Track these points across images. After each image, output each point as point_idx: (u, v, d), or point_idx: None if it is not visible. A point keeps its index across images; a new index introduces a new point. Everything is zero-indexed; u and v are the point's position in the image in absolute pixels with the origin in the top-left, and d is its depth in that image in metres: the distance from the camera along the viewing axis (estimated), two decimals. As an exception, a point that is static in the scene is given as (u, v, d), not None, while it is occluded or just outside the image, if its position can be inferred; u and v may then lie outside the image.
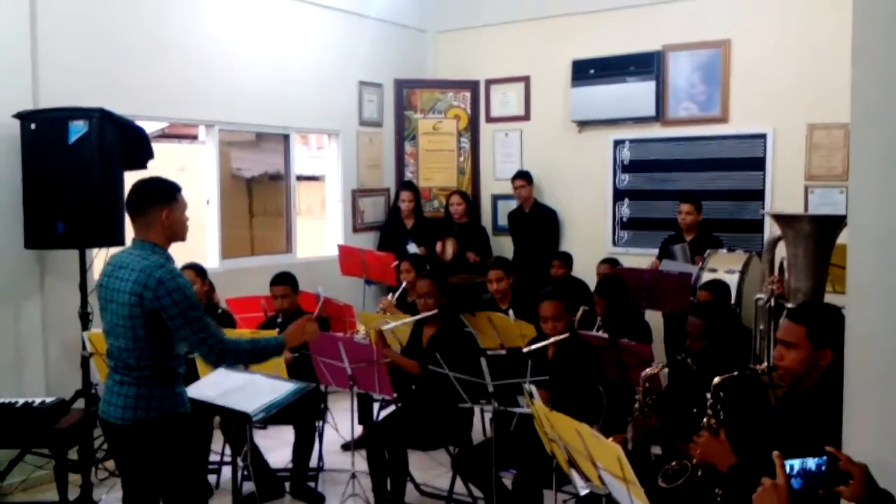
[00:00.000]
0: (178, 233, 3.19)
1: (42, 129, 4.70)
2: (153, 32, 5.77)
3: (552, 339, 4.09)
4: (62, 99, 4.89)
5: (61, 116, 4.69)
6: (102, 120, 4.68)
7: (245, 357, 3.22)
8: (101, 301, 3.13)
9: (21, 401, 4.21)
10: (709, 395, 2.95)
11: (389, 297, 5.98)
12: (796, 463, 2.03)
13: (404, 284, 5.94)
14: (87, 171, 4.64)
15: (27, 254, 4.91)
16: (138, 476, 3.19)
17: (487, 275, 5.63)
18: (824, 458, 2.03)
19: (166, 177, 3.25)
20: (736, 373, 2.96)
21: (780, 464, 2.00)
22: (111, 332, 3.09)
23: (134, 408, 3.03)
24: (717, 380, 2.94)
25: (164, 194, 3.14)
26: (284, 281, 5.18)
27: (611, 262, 6.21)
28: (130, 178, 4.89)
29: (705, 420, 2.93)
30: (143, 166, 4.98)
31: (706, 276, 5.55)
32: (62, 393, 4.55)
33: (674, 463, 3.05)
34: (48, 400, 4.25)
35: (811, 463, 2.02)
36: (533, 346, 4.11)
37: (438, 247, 7.21)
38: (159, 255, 3.08)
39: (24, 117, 4.73)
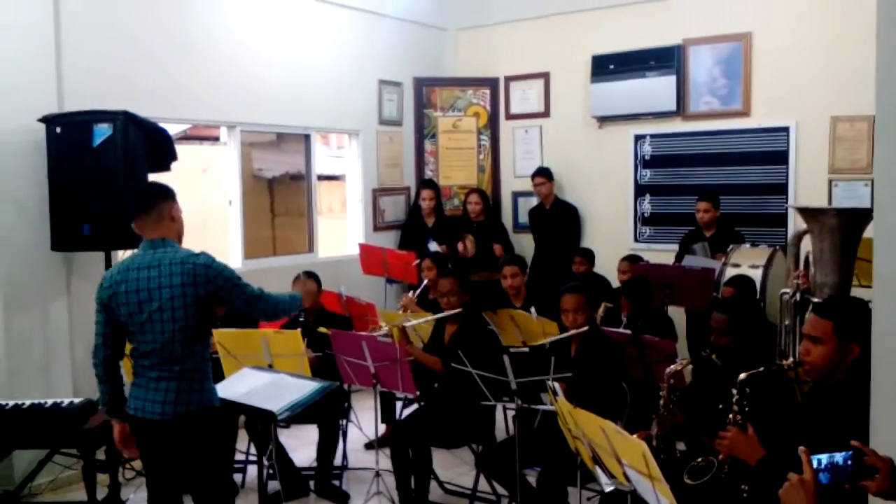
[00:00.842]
0: (180, 231, 3.36)
1: (67, 132, 4.74)
2: (175, 35, 5.81)
3: (572, 332, 4.08)
4: (86, 102, 4.94)
5: (86, 120, 4.74)
6: (126, 122, 4.72)
7: (288, 305, 3.50)
8: (129, 306, 3.15)
9: (49, 401, 4.26)
10: (734, 391, 2.94)
11: (410, 294, 5.99)
12: (824, 458, 2.01)
13: (426, 282, 5.94)
14: (111, 173, 4.69)
15: (54, 256, 4.96)
16: (169, 472, 3.26)
17: (502, 271, 5.63)
18: (850, 452, 2.01)
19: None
20: (762, 368, 2.94)
21: (806, 459, 1.99)
22: (148, 331, 3.14)
23: (175, 402, 3.14)
24: (742, 375, 2.93)
25: (169, 191, 3.34)
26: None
27: (632, 259, 6.17)
28: (155, 180, 4.96)
29: (731, 416, 2.91)
30: (166, 168, 5.03)
31: (729, 272, 5.50)
32: (90, 393, 4.59)
33: (699, 459, 3.04)
34: (76, 400, 4.30)
35: (838, 457, 2.01)
36: (553, 338, 4.11)
37: (460, 247, 7.22)
38: (185, 248, 3.24)
39: (49, 121, 4.78)
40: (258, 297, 3.28)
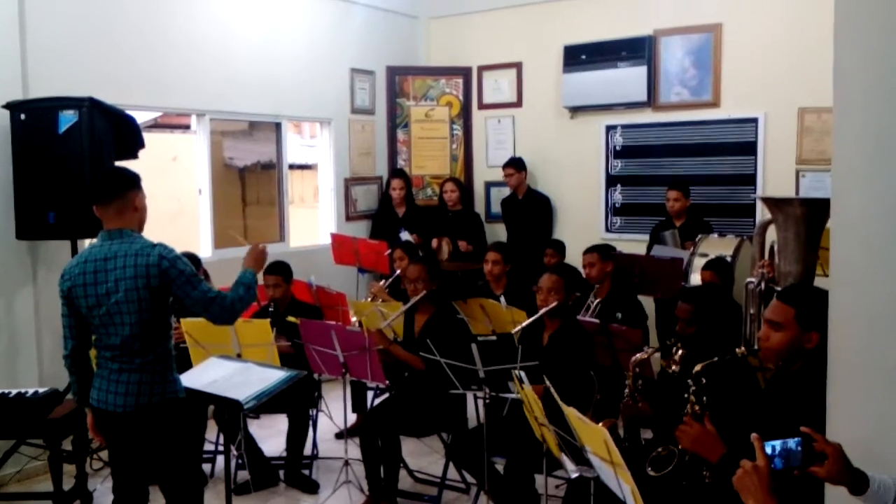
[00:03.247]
0: (143, 221, 3.24)
1: (32, 119, 4.69)
2: (143, 22, 5.74)
3: (541, 312, 4.10)
4: (52, 89, 4.87)
5: (51, 106, 4.68)
6: (92, 109, 4.67)
7: (246, 298, 3.26)
8: (87, 299, 3.10)
9: (14, 391, 4.22)
10: (690, 382, 2.97)
11: (382, 282, 5.98)
12: (777, 444, 2.04)
13: (398, 272, 5.94)
14: (77, 160, 4.64)
15: (19, 244, 4.90)
16: (134, 463, 3.22)
17: (485, 255, 5.63)
18: (801, 438, 2.05)
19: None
20: (716, 359, 2.97)
21: (759, 446, 2.01)
22: (108, 324, 3.09)
23: (137, 394, 3.09)
24: (698, 367, 2.96)
25: (135, 179, 3.21)
26: (276, 271, 5.18)
27: (600, 249, 6.18)
28: (120, 165, 4.91)
29: (689, 406, 2.94)
30: (134, 156, 4.98)
31: (698, 261, 5.56)
32: (56, 384, 4.55)
33: (660, 449, 3.07)
34: (41, 390, 4.26)
35: (791, 443, 2.04)
36: (526, 322, 4.13)
37: (434, 243, 7.22)
38: (143, 238, 3.14)
39: (13, 107, 4.72)
40: (211, 300, 3.12)
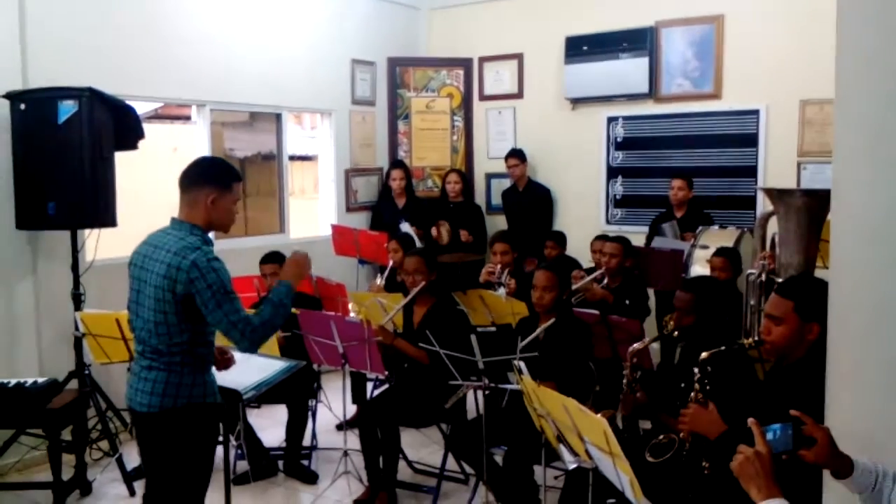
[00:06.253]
0: (220, 222, 3.02)
1: (31, 109, 4.67)
2: (144, 12, 5.72)
3: (541, 328, 4.06)
4: (52, 79, 4.85)
5: (51, 96, 4.66)
6: (92, 99, 4.65)
7: (274, 322, 2.97)
8: (134, 281, 2.99)
9: (13, 381, 4.22)
10: (696, 370, 2.97)
11: (378, 280, 5.97)
12: (778, 428, 2.06)
13: (391, 264, 5.92)
14: (76, 151, 4.63)
15: (19, 235, 4.90)
16: (158, 465, 3.03)
17: (493, 246, 5.63)
18: (790, 423, 2.06)
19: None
20: (724, 347, 2.97)
21: (758, 431, 2.02)
22: (140, 315, 2.95)
23: (162, 394, 2.89)
24: (704, 354, 2.96)
25: (218, 177, 2.99)
26: (273, 259, 5.18)
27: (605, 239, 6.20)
28: (121, 158, 4.92)
29: (693, 394, 2.94)
30: (134, 146, 4.98)
31: (698, 254, 5.55)
32: (56, 374, 4.56)
33: (661, 437, 3.07)
34: (40, 380, 4.25)
35: (788, 428, 2.05)
36: (525, 342, 4.08)
37: (434, 232, 7.21)
38: (197, 237, 2.92)
39: (13, 97, 4.71)
40: (231, 325, 2.85)
